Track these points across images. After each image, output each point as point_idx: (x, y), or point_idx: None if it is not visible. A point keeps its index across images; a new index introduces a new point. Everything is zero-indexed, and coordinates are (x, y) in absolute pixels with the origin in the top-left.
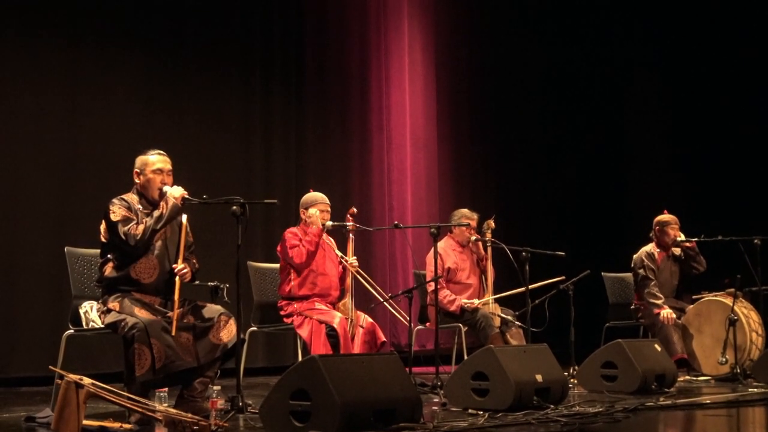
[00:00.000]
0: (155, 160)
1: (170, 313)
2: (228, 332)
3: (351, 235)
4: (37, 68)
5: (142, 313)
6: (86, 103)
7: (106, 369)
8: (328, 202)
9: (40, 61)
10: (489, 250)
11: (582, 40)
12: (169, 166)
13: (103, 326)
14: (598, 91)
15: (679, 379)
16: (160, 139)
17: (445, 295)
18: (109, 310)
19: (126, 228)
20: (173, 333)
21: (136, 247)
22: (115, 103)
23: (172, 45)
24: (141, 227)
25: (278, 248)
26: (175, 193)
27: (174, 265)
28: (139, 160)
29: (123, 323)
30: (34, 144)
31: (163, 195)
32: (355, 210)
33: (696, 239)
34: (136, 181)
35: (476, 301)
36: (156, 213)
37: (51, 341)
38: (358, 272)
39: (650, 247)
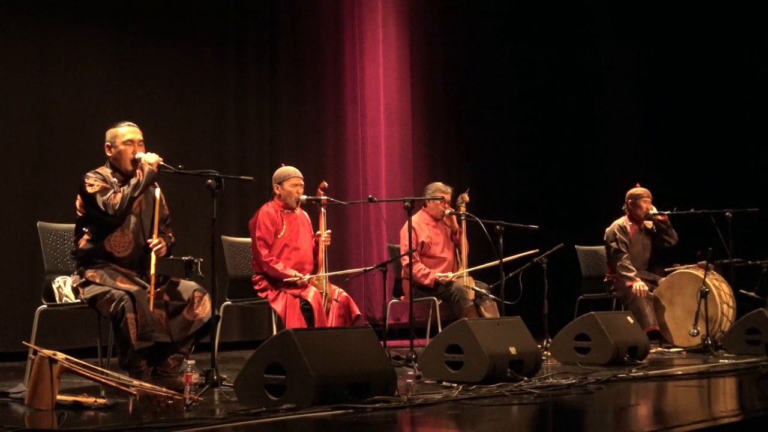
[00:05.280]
0: (125, 131)
1: (148, 289)
2: (202, 309)
3: (323, 209)
4: (7, 43)
5: (124, 284)
6: (57, 77)
7: (80, 344)
8: (301, 176)
9: (10, 35)
10: (463, 223)
11: (555, 15)
12: (139, 137)
13: (78, 301)
14: (570, 65)
15: (651, 350)
16: (132, 114)
17: (420, 268)
18: (87, 282)
19: (105, 198)
20: (151, 309)
21: (116, 216)
22: (86, 78)
23: (144, 18)
24: (119, 196)
25: (251, 222)
26: (151, 159)
27: (149, 240)
28: (110, 132)
29: (107, 296)
30: (5, 119)
31: (136, 164)
32: (326, 184)
33: (668, 212)
34: (108, 154)
35: (450, 275)
36: (133, 181)
37: (24, 316)
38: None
39: (623, 221)
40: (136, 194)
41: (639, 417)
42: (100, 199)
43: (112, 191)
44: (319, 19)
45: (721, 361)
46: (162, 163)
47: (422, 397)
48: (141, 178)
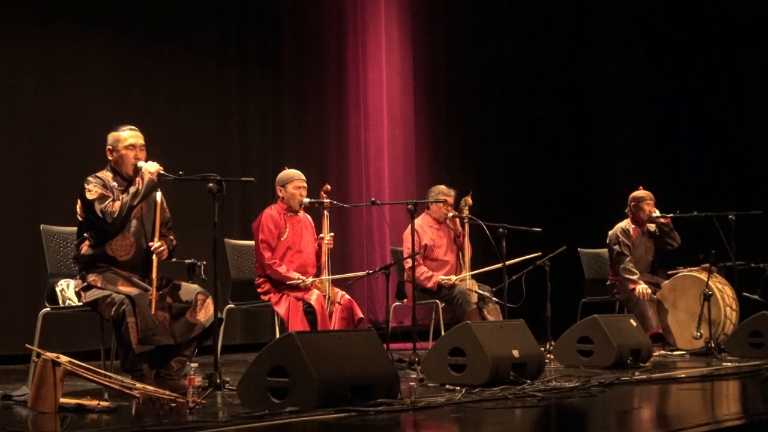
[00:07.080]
0: (127, 135)
1: (150, 291)
2: (205, 312)
3: (326, 212)
4: (10, 46)
5: (125, 287)
6: (60, 80)
7: (83, 347)
8: (304, 179)
9: (13, 39)
10: (466, 226)
11: (558, 18)
12: (141, 141)
13: (81, 304)
14: (573, 67)
15: (654, 353)
16: (135, 117)
17: (422, 271)
18: (89, 286)
19: (103, 205)
20: (153, 312)
21: (114, 224)
22: (89, 81)
23: (146, 21)
24: (118, 204)
25: (254, 225)
26: (151, 168)
27: (150, 243)
28: (111, 136)
29: (108, 300)
30: (8, 121)
31: (138, 170)
32: (329, 187)
33: (671, 215)
34: (109, 158)
35: (453, 278)
36: (132, 189)
37: (27, 319)
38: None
39: (625, 223)
40: (135, 203)
41: (642, 420)
42: (98, 207)
43: (110, 199)
44: (321, 23)
45: (724, 364)
46: (162, 172)
47: (425, 400)
48: (140, 187)
